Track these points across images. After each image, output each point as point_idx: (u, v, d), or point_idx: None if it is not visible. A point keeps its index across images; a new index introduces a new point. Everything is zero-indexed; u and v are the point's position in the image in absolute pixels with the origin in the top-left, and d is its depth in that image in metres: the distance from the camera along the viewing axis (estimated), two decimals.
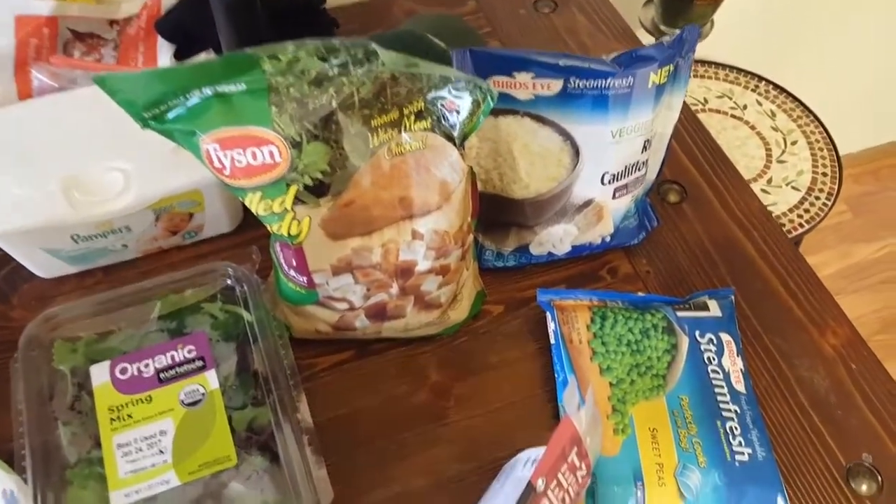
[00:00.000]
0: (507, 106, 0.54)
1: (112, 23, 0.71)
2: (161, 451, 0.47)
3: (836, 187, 1.04)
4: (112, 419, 0.48)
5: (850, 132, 1.46)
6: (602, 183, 0.58)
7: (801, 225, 1.01)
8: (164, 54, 0.70)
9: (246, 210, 0.63)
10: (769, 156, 1.08)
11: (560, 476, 0.41)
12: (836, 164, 1.08)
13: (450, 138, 0.48)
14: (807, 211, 1.02)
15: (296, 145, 0.43)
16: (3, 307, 0.60)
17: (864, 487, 0.54)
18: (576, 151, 0.56)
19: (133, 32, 0.71)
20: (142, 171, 0.55)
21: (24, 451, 0.47)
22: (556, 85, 0.53)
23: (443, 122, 0.47)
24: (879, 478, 0.54)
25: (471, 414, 0.56)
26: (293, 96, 0.43)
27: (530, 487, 0.39)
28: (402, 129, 0.46)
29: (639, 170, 0.59)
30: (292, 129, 0.43)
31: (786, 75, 1.26)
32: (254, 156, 0.43)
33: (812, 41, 1.41)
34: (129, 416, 0.48)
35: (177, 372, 0.50)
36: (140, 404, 0.49)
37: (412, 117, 0.46)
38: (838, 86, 1.51)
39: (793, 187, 1.05)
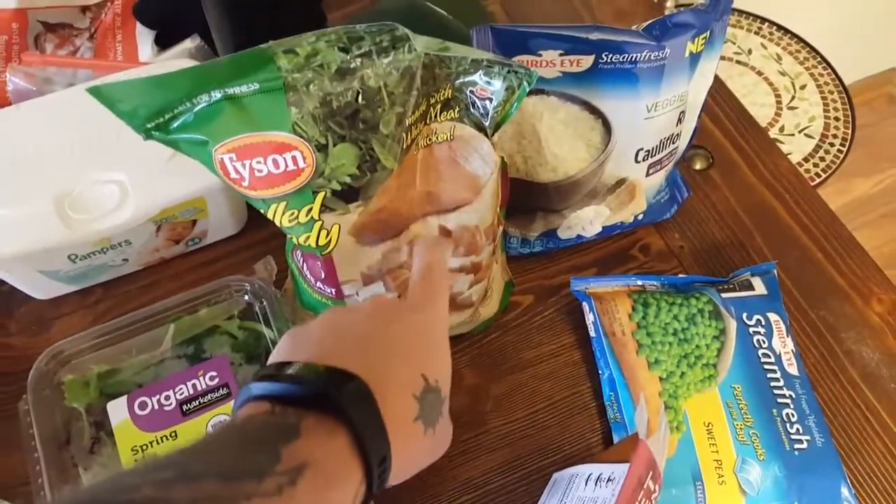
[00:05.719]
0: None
1: (84, 9, 0.65)
2: None
3: (849, 132, 1.01)
4: (136, 461, 0.45)
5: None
6: (636, 161, 0.54)
7: (817, 175, 0.98)
8: (145, 42, 0.64)
9: (251, 210, 0.59)
10: (779, 103, 1.04)
11: None
12: (848, 106, 1.04)
13: (480, 128, 0.43)
14: (822, 159, 0.99)
15: (321, 148, 0.39)
16: (1, 335, 0.55)
17: None
18: (607, 129, 0.52)
19: (108, 19, 0.65)
20: (139, 181, 0.50)
21: (44, 492, 0.44)
22: (586, 61, 0.48)
23: (472, 110, 0.43)
24: None
25: (511, 418, 0.53)
26: (314, 94, 0.38)
27: None
28: (428, 119, 0.42)
29: (672, 143, 0.55)
30: (316, 130, 0.38)
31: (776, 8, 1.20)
32: (275, 164, 0.39)
33: None
34: (155, 455, 0.45)
35: (200, 402, 0.46)
36: (165, 441, 0.45)
37: (438, 107, 0.42)
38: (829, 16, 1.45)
39: (806, 135, 1.02)
